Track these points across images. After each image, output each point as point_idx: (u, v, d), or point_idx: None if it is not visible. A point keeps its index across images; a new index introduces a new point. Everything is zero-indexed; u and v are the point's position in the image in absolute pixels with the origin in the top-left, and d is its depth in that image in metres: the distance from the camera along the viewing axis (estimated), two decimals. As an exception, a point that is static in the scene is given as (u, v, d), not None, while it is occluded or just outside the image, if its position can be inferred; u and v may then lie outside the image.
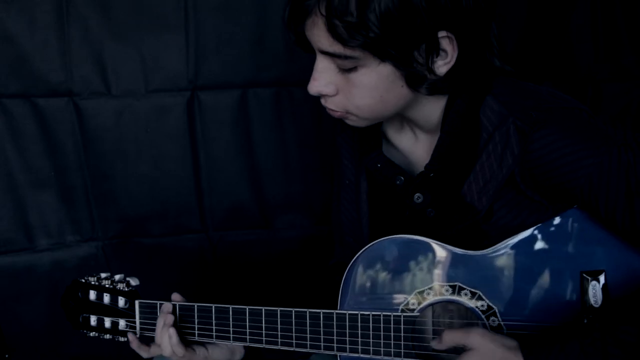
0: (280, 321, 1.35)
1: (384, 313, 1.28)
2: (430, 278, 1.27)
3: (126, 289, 1.48)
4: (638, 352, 1.09)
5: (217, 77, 2.05)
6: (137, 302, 1.46)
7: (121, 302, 1.47)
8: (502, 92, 1.23)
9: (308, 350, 1.34)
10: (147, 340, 1.46)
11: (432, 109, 1.28)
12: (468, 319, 1.28)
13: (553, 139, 1.17)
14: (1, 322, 2.07)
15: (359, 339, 1.29)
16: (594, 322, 1.18)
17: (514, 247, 1.23)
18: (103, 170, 2.08)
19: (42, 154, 2.04)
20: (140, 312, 1.46)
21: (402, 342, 1.27)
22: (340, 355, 1.32)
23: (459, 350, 1.19)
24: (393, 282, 1.29)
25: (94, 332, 1.51)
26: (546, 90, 1.25)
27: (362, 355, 1.29)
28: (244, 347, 1.46)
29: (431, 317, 1.31)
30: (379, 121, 1.32)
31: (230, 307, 1.38)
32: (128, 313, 1.47)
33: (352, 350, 1.30)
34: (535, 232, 1.22)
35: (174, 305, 1.43)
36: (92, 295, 1.50)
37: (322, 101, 1.26)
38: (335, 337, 1.31)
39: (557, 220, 1.22)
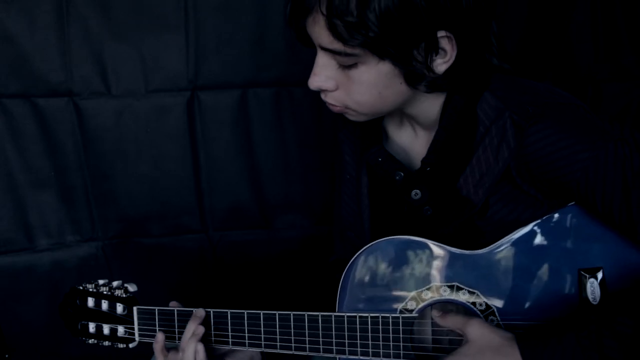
0: (279, 325, 1.34)
1: (382, 314, 1.28)
2: (428, 278, 1.27)
3: (124, 296, 1.47)
4: (634, 343, 1.09)
5: (217, 77, 2.05)
6: (135, 309, 1.46)
7: (119, 308, 1.47)
8: (500, 87, 1.24)
9: (307, 353, 1.34)
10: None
11: (431, 105, 1.29)
12: (467, 318, 1.28)
13: (549, 133, 1.17)
14: (1, 322, 2.07)
15: (358, 341, 1.29)
16: (590, 314, 1.19)
17: (511, 245, 1.23)
18: (103, 170, 2.08)
19: (42, 154, 2.04)
20: (139, 319, 1.46)
21: (402, 344, 1.27)
22: (339, 358, 1.32)
23: (455, 347, 1.20)
24: (391, 283, 1.29)
25: (92, 339, 1.51)
26: (543, 86, 1.26)
27: (361, 357, 1.29)
28: (261, 353, 1.46)
29: (430, 317, 1.31)
30: (378, 116, 1.33)
31: (229, 311, 1.38)
32: (126, 319, 1.47)
33: (351, 353, 1.30)
34: (532, 229, 1.23)
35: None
36: (90, 302, 1.50)
37: (322, 96, 1.27)
38: (334, 340, 1.31)
39: (553, 217, 1.22)
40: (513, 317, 1.23)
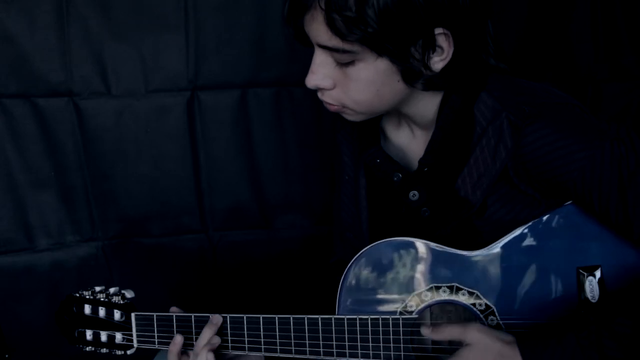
0: (279, 328, 1.34)
1: (382, 316, 1.28)
2: (427, 279, 1.27)
3: (121, 302, 1.46)
4: (633, 343, 1.10)
5: (217, 77, 2.05)
6: (133, 315, 1.45)
7: (117, 315, 1.46)
8: (496, 88, 1.24)
9: (307, 356, 1.33)
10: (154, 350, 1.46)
11: (428, 104, 1.29)
12: (466, 319, 1.29)
13: (546, 133, 1.18)
14: (1, 322, 2.07)
15: (359, 344, 1.29)
16: (590, 315, 1.19)
17: (510, 245, 1.24)
18: (103, 170, 2.08)
19: (42, 154, 2.04)
20: (137, 325, 1.45)
21: (402, 345, 1.27)
22: (339, 360, 1.33)
23: (455, 348, 1.20)
24: (390, 284, 1.29)
25: (90, 347, 1.50)
26: (540, 86, 1.26)
27: (361, 360, 1.30)
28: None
29: (430, 318, 1.31)
30: (375, 116, 1.33)
31: (228, 316, 1.38)
32: (124, 326, 1.46)
33: (351, 355, 1.30)
34: (530, 229, 1.23)
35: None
36: (87, 309, 1.49)
37: (319, 94, 1.27)
38: (334, 342, 1.31)
39: (551, 216, 1.23)
40: (513, 316, 1.24)
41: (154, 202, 2.12)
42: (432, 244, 1.27)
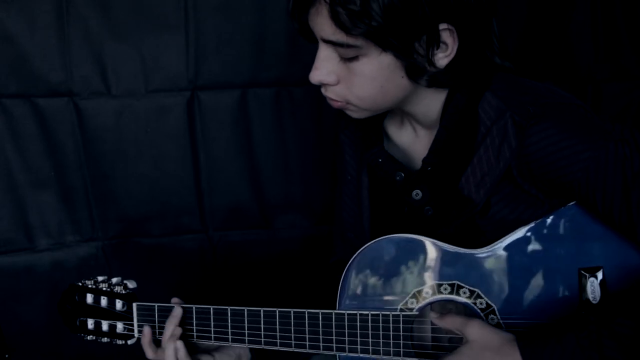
0: (279, 322, 1.34)
1: (382, 312, 1.28)
2: (428, 277, 1.27)
3: (124, 292, 1.47)
4: (633, 344, 1.10)
5: (217, 77, 2.05)
6: (134, 305, 1.46)
7: (119, 304, 1.47)
8: (501, 87, 1.24)
9: (307, 350, 1.33)
10: (157, 340, 1.45)
11: (432, 103, 1.29)
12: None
13: (550, 133, 1.17)
14: (1, 322, 2.07)
15: (358, 339, 1.29)
16: (591, 315, 1.19)
17: (512, 245, 1.24)
18: (103, 170, 2.08)
19: (42, 154, 2.04)
20: (138, 315, 1.46)
21: (402, 342, 1.27)
22: (339, 355, 1.33)
23: (455, 346, 1.20)
24: (392, 281, 1.29)
25: (91, 336, 1.51)
26: (544, 86, 1.26)
27: (361, 355, 1.30)
28: (250, 351, 1.46)
29: (431, 314, 1.31)
30: (379, 112, 1.33)
31: (229, 308, 1.38)
32: (126, 316, 1.46)
33: (351, 350, 1.30)
34: (533, 229, 1.23)
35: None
36: (89, 298, 1.50)
37: (323, 90, 1.27)
38: (334, 337, 1.31)
39: (554, 217, 1.22)
40: (513, 316, 1.23)
41: (154, 202, 2.12)
42: (435, 242, 1.27)
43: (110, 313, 1.48)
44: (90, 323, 1.50)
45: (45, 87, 1.99)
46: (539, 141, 1.18)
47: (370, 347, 1.29)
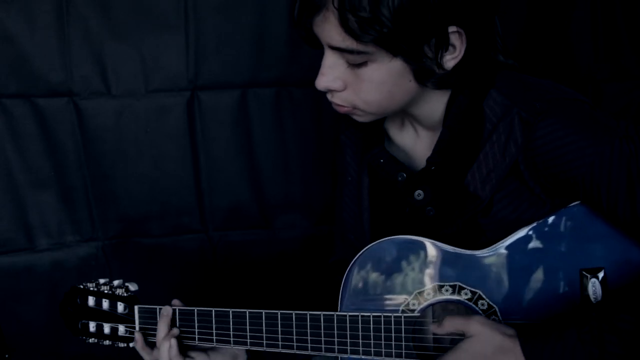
0: (281, 324, 1.35)
1: (384, 314, 1.28)
2: (430, 278, 1.27)
3: (125, 295, 1.47)
4: (635, 339, 1.10)
5: (217, 77, 2.05)
6: (136, 308, 1.46)
7: (120, 307, 1.47)
8: (505, 85, 1.25)
9: (309, 352, 1.34)
10: (151, 342, 1.46)
11: (435, 105, 1.29)
12: (468, 318, 1.28)
13: (556, 128, 1.18)
14: (1, 322, 2.07)
15: (360, 340, 1.29)
16: (591, 311, 1.19)
17: (513, 246, 1.24)
18: (103, 170, 2.07)
19: (42, 154, 2.04)
20: (140, 318, 1.46)
21: (403, 343, 1.27)
22: (341, 357, 1.33)
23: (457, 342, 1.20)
24: (393, 282, 1.29)
25: (93, 339, 1.51)
26: (547, 82, 1.26)
27: (363, 357, 1.29)
28: (247, 351, 1.46)
29: (432, 317, 1.31)
30: (384, 116, 1.33)
31: (230, 310, 1.38)
32: (127, 318, 1.46)
33: (353, 352, 1.30)
34: (534, 230, 1.23)
35: (174, 310, 1.43)
36: (91, 301, 1.50)
37: (329, 96, 1.26)
38: (336, 339, 1.31)
39: (555, 218, 1.22)
40: (515, 316, 1.23)
41: (154, 202, 2.12)
42: (436, 243, 1.27)
43: (112, 316, 1.48)
44: (92, 326, 1.50)
45: (45, 87, 1.99)
46: (544, 136, 1.18)
47: (372, 349, 1.28)
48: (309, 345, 1.33)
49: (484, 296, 1.24)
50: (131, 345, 1.47)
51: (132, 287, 1.48)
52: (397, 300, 1.29)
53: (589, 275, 1.20)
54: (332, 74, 1.21)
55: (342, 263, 1.35)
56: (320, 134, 2.13)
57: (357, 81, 1.21)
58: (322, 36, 1.19)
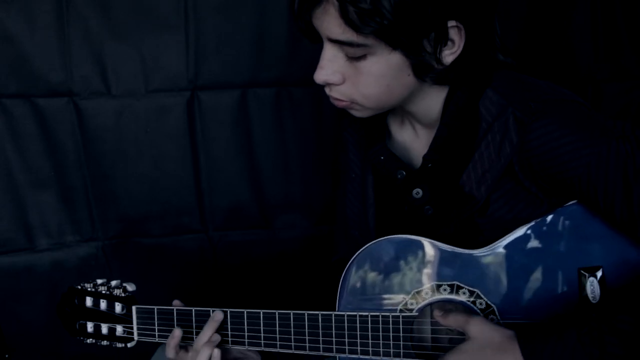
0: (279, 323, 1.34)
1: (382, 313, 1.28)
2: (428, 277, 1.27)
3: (123, 295, 1.47)
4: (635, 340, 1.10)
5: (217, 77, 2.06)
6: (134, 308, 1.45)
7: (118, 308, 1.46)
8: (502, 84, 1.24)
9: (307, 352, 1.33)
10: (155, 343, 1.45)
11: (432, 102, 1.29)
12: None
13: (552, 129, 1.17)
14: (1, 322, 2.07)
15: (358, 340, 1.29)
16: (591, 312, 1.19)
17: (512, 245, 1.23)
18: (103, 170, 2.08)
19: (42, 154, 2.04)
20: (138, 318, 1.45)
21: (402, 342, 1.27)
22: (339, 357, 1.32)
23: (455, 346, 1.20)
24: (391, 282, 1.29)
25: (91, 339, 1.51)
26: (545, 83, 1.26)
27: (361, 356, 1.29)
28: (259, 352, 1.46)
29: (430, 316, 1.31)
30: (382, 111, 1.33)
31: (229, 310, 1.38)
32: (125, 319, 1.46)
33: (351, 352, 1.30)
34: (532, 229, 1.23)
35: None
36: (89, 301, 1.49)
37: (327, 90, 1.26)
38: (334, 339, 1.31)
39: (553, 217, 1.22)
40: (513, 316, 1.23)
41: (154, 202, 2.12)
42: (434, 242, 1.27)
43: (109, 316, 1.47)
44: (90, 326, 1.50)
45: (45, 87, 1.99)
46: (540, 137, 1.18)
47: (370, 348, 1.28)
48: (307, 345, 1.33)
49: (482, 295, 1.24)
50: (129, 345, 1.47)
51: (130, 287, 1.48)
52: (395, 299, 1.29)
53: (587, 274, 1.20)
54: (331, 68, 1.21)
55: (346, 261, 1.34)
56: (320, 134, 2.13)
57: (356, 74, 1.21)
58: (321, 29, 1.19)
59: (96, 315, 1.49)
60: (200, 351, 1.35)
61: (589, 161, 1.15)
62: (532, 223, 1.23)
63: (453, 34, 1.17)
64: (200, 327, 1.39)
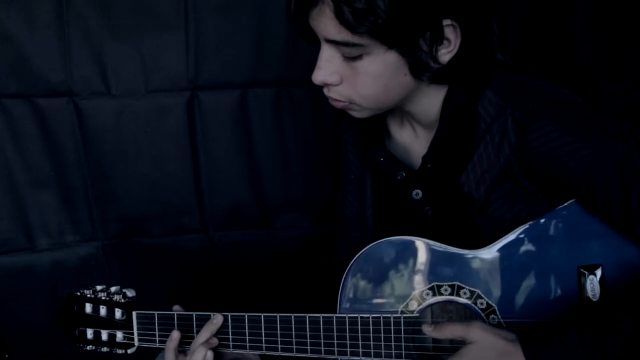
0: (280, 327, 1.34)
1: (383, 315, 1.28)
2: (429, 278, 1.27)
3: (123, 301, 1.46)
4: (636, 341, 1.10)
5: (217, 77, 2.05)
6: (134, 313, 1.45)
7: (118, 314, 1.46)
8: (500, 84, 1.25)
9: (309, 355, 1.33)
10: (157, 348, 1.45)
11: (431, 102, 1.29)
12: (467, 318, 1.28)
13: (550, 130, 1.18)
14: (1, 322, 2.06)
15: (360, 342, 1.29)
16: (592, 313, 1.19)
17: (511, 244, 1.24)
18: (103, 170, 2.07)
19: (42, 154, 2.04)
20: (138, 324, 1.45)
21: (403, 344, 1.27)
22: (340, 359, 1.32)
23: (457, 347, 1.20)
24: (392, 283, 1.29)
25: (90, 346, 1.50)
26: (544, 84, 1.26)
27: (362, 358, 1.29)
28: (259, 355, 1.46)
29: (431, 317, 1.31)
30: (381, 112, 1.33)
31: (230, 315, 1.38)
32: (125, 325, 1.46)
33: (352, 353, 1.30)
34: (532, 228, 1.23)
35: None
36: (88, 308, 1.49)
37: (325, 91, 1.26)
38: (335, 341, 1.31)
39: (553, 216, 1.23)
40: (514, 315, 1.24)
41: (154, 202, 2.12)
42: (434, 243, 1.27)
43: (109, 322, 1.47)
44: (90, 333, 1.49)
45: (45, 87, 1.99)
46: (538, 138, 1.18)
47: (372, 350, 1.28)
48: (309, 347, 1.33)
49: (482, 295, 1.24)
50: (129, 351, 1.47)
51: (130, 293, 1.47)
52: (396, 301, 1.29)
53: (586, 273, 1.20)
54: (328, 68, 1.21)
55: (345, 262, 1.34)
56: (320, 134, 2.13)
57: (353, 75, 1.21)
58: (318, 29, 1.19)
59: (96, 321, 1.48)
60: (195, 351, 1.36)
61: (588, 162, 1.16)
62: (532, 222, 1.23)
63: (449, 32, 1.17)
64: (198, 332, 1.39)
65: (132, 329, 1.45)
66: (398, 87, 1.23)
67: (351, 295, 1.32)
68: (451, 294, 1.26)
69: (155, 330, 1.43)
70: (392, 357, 1.28)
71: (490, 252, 1.24)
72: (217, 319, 1.38)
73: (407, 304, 1.28)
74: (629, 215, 1.16)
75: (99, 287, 1.49)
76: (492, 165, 1.23)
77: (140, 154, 2.08)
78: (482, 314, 1.24)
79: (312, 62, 1.24)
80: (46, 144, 2.04)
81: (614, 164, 1.15)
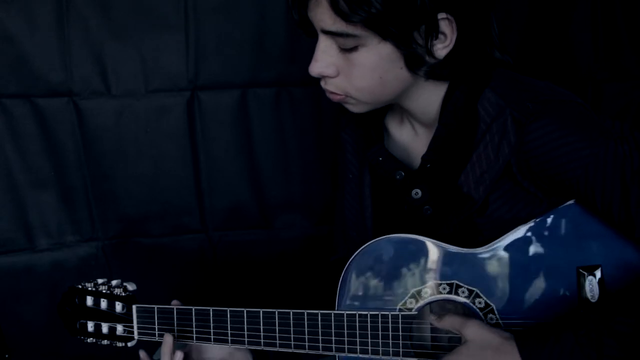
0: (278, 323, 1.34)
1: (382, 312, 1.28)
2: (427, 277, 1.27)
3: (123, 294, 1.46)
4: (633, 342, 1.10)
5: (217, 77, 2.06)
6: (134, 307, 1.45)
7: (119, 307, 1.46)
8: (500, 84, 1.24)
9: (306, 351, 1.33)
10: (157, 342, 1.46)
11: (430, 100, 1.29)
12: (466, 317, 1.28)
13: (550, 130, 1.17)
14: (1, 322, 2.07)
15: (358, 339, 1.29)
16: (589, 314, 1.19)
17: (511, 244, 1.23)
18: (103, 170, 2.08)
19: (42, 154, 2.04)
20: (138, 317, 1.45)
21: (401, 342, 1.27)
22: (338, 356, 1.32)
23: (455, 345, 1.20)
24: (390, 281, 1.29)
25: (91, 338, 1.50)
26: (544, 84, 1.26)
27: (360, 355, 1.29)
28: (251, 351, 1.46)
29: (429, 315, 1.31)
30: (378, 107, 1.32)
31: (228, 309, 1.38)
32: (126, 318, 1.46)
33: (350, 351, 1.30)
34: (532, 228, 1.23)
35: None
36: (89, 301, 1.49)
37: (322, 83, 1.27)
38: (333, 338, 1.30)
39: (552, 215, 1.22)
40: (512, 315, 1.23)
41: (154, 202, 2.12)
42: (433, 241, 1.26)
43: (110, 315, 1.47)
44: (90, 325, 1.50)
45: (45, 87, 1.99)
46: (538, 138, 1.18)
47: (370, 348, 1.28)
48: (307, 344, 1.33)
49: (481, 294, 1.24)
50: (129, 344, 1.47)
51: (131, 286, 1.48)
52: (395, 298, 1.29)
53: (585, 273, 1.20)
54: (324, 60, 1.22)
55: (344, 261, 1.34)
56: (320, 134, 2.13)
57: (349, 66, 1.21)
58: (315, 20, 1.20)
59: (97, 314, 1.49)
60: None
61: (587, 162, 1.15)
62: (531, 222, 1.23)
63: (444, 26, 1.17)
64: (200, 326, 1.40)
65: (132, 322, 1.46)
66: (394, 81, 1.23)
67: (350, 292, 1.32)
68: (450, 292, 1.26)
69: (154, 324, 1.44)
70: (389, 355, 1.28)
71: (489, 252, 1.24)
72: (166, 339, 1.39)
73: (405, 302, 1.28)
74: (628, 216, 1.16)
75: (100, 280, 1.50)
76: (492, 165, 1.22)
77: (140, 154, 2.08)
78: (480, 313, 1.24)
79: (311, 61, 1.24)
80: (46, 144, 2.04)
81: (613, 165, 1.15)
